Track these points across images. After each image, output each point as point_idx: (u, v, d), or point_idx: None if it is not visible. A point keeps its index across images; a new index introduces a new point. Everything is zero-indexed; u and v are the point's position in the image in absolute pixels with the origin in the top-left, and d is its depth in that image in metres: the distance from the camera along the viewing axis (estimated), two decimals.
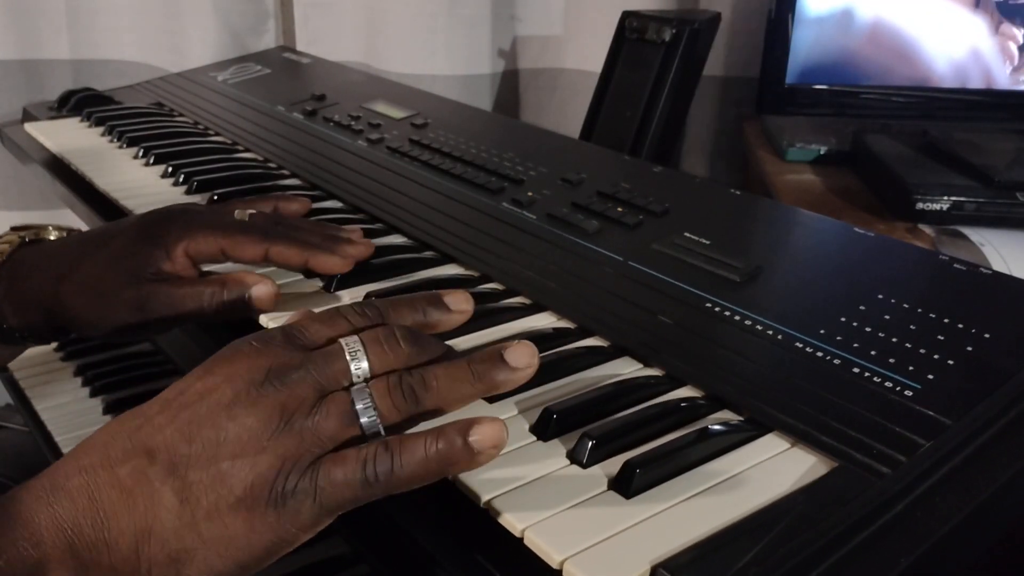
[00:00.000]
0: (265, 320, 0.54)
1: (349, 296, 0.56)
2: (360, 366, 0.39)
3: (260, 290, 0.52)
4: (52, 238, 0.64)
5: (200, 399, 0.37)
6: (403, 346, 0.40)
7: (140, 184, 0.79)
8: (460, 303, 0.46)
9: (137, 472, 0.36)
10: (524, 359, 0.40)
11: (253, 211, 0.58)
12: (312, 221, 0.62)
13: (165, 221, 0.55)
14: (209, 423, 0.36)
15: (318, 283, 0.58)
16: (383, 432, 0.38)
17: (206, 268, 0.57)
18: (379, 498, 0.37)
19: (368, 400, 0.38)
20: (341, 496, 0.36)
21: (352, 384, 0.39)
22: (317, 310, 0.47)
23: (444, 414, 0.40)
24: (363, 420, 0.37)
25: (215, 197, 0.73)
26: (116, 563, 0.35)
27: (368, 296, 0.55)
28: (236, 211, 0.58)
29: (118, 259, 0.54)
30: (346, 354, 0.39)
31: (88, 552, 0.35)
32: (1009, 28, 0.93)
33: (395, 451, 0.37)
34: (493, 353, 0.40)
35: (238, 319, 0.53)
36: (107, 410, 0.86)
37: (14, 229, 0.63)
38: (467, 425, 0.37)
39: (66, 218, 1.21)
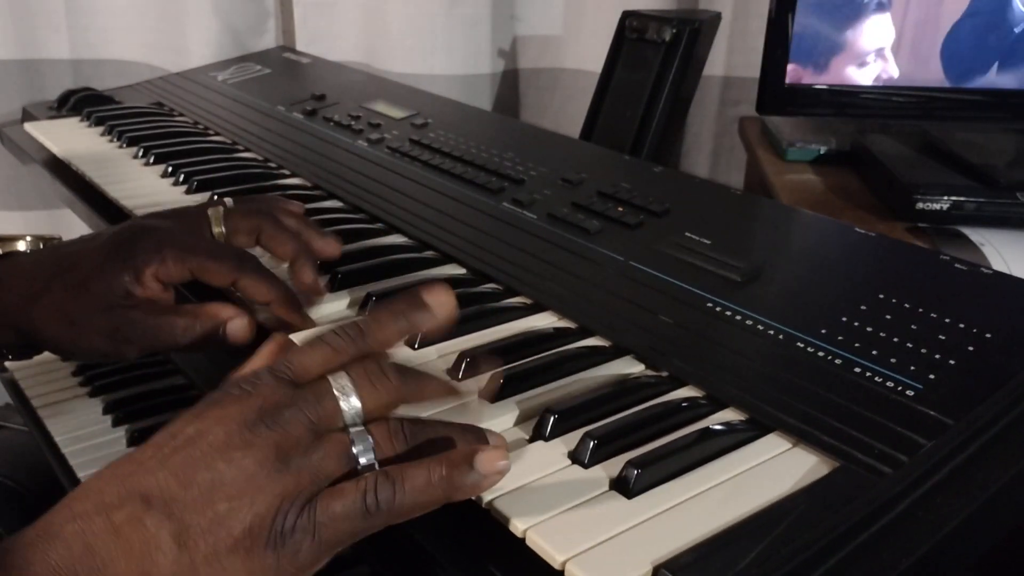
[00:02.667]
0: None
1: (350, 296, 0.56)
2: (352, 405, 0.38)
3: (235, 325, 0.52)
4: (25, 250, 0.62)
5: (192, 443, 0.37)
6: (391, 379, 0.39)
7: (141, 185, 0.79)
8: (440, 296, 0.43)
9: (133, 517, 0.35)
10: (494, 461, 0.38)
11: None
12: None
13: (130, 244, 0.53)
14: (204, 465, 0.36)
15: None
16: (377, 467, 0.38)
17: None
18: (378, 529, 0.37)
19: (370, 444, 0.37)
20: (340, 530, 0.36)
21: (347, 425, 0.38)
22: (298, 336, 0.47)
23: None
24: (362, 461, 0.37)
25: (215, 197, 0.73)
26: None
27: (368, 296, 0.55)
28: (226, 200, 0.57)
29: (88, 282, 0.52)
30: (335, 392, 0.38)
31: None
32: None
33: (396, 479, 0.36)
34: (477, 432, 0.40)
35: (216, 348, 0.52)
36: (107, 410, 0.86)
37: None
38: (471, 452, 0.37)
39: (66, 218, 1.21)
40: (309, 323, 0.54)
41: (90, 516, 0.36)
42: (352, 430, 0.38)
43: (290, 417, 0.37)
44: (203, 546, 0.35)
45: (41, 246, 0.63)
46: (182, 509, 0.35)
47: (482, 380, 0.46)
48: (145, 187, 0.79)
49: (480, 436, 0.40)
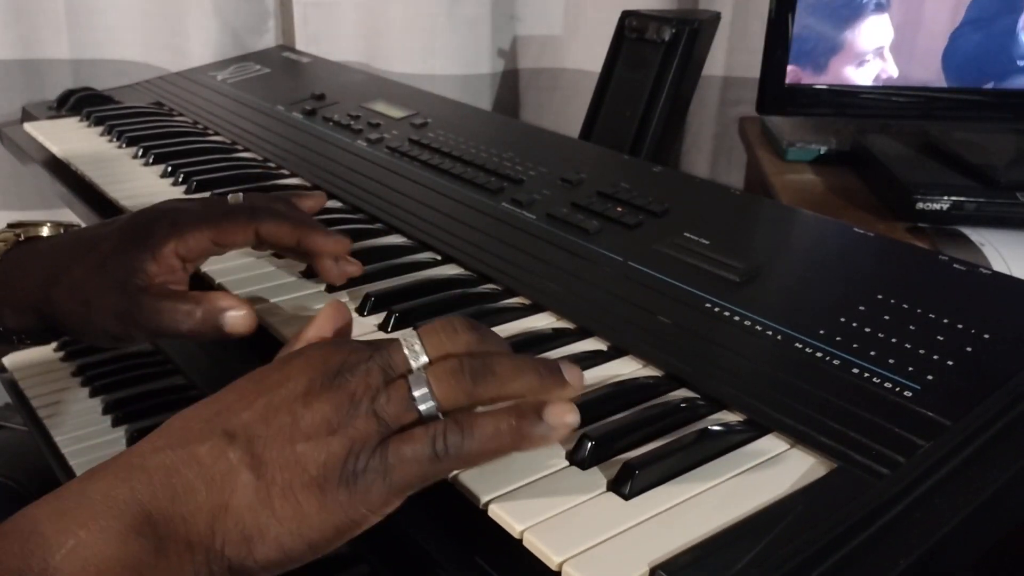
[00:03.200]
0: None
1: (348, 296, 0.56)
2: (415, 351, 0.40)
3: (234, 315, 0.52)
4: (46, 234, 0.64)
5: (276, 387, 0.39)
6: (460, 333, 0.41)
7: (141, 185, 0.79)
8: (575, 378, 0.41)
9: (216, 450, 0.37)
10: (577, 379, 0.41)
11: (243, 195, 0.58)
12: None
13: (151, 223, 0.54)
14: (285, 409, 0.38)
15: (319, 285, 0.58)
16: (442, 417, 0.39)
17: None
18: (448, 474, 0.39)
19: (424, 386, 0.39)
20: (410, 472, 0.37)
21: (412, 371, 0.40)
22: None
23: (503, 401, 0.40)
24: (421, 407, 0.38)
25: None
26: (192, 537, 0.36)
27: (367, 297, 0.55)
28: (229, 196, 0.58)
29: (105, 264, 0.53)
30: (403, 345, 0.40)
31: (165, 525, 0.36)
32: None
33: (465, 426, 0.38)
34: (552, 363, 0.41)
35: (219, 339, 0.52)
36: (106, 410, 0.86)
37: (10, 226, 0.63)
38: (540, 403, 0.38)
39: (66, 218, 1.21)
40: (345, 244, 0.56)
41: (174, 448, 0.38)
42: (411, 376, 0.39)
43: (365, 369, 0.39)
44: (280, 480, 0.37)
45: (62, 231, 0.64)
46: (263, 446, 0.37)
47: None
48: (145, 187, 0.79)
49: (550, 375, 0.40)
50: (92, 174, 0.81)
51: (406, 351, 0.40)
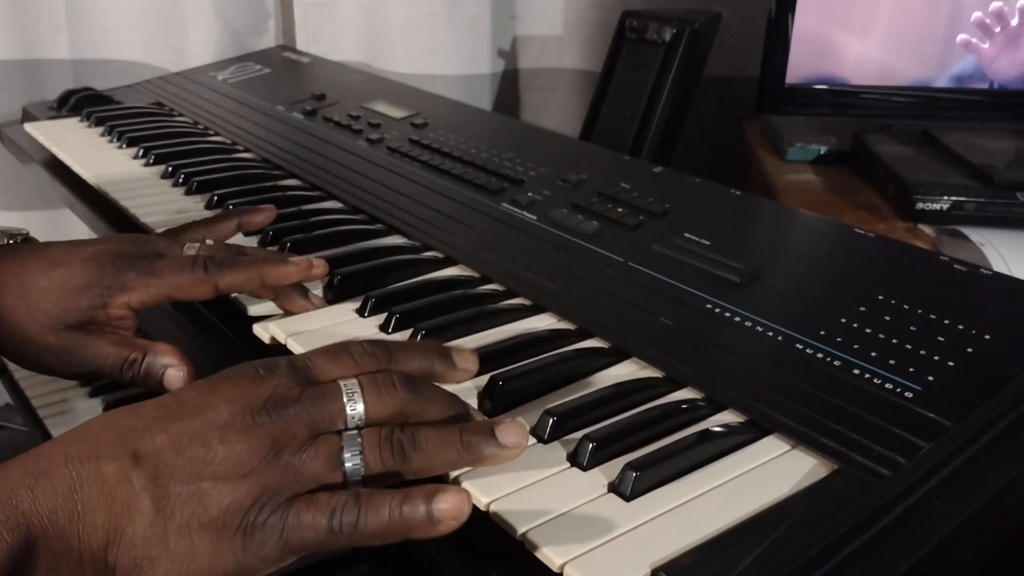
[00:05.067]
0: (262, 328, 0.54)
1: (350, 302, 0.56)
2: (356, 409, 0.39)
3: (172, 374, 0.52)
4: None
5: (196, 414, 0.38)
6: (400, 392, 0.40)
7: (142, 186, 0.79)
8: (467, 362, 0.45)
9: (121, 472, 0.36)
10: (514, 438, 0.39)
11: (199, 243, 0.56)
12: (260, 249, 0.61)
13: (110, 272, 0.53)
14: (200, 441, 0.37)
15: (318, 286, 0.58)
16: (362, 482, 0.38)
17: None
18: (343, 548, 0.37)
19: (357, 449, 0.38)
20: (306, 538, 0.37)
21: (346, 428, 0.39)
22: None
23: (426, 475, 0.40)
24: (347, 467, 0.38)
25: (215, 198, 0.73)
26: (84, 559, 0.36)
27: (367, 299, 0.55)
28: (186, 244, 0.56)
29: (48, 299, 0.52)
30: (343, 395, 0.39)
31: (60, 543, 0.35)
32: None
33: (363, 505, 0.37)
34: (485, 426, 0.40)
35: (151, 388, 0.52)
36: (107, 410, 0.86)
37: None
38: (433, 492, 0.37)
39: (66, 218, 1.21)
40: (304, 267, 0.55)
41: (83, 462, 0.37)
42: (346, 435, 0.38)
43: (294, 413, 0.38)
44: (179, 516, 0.36)
45: (9, 242, 0.61)
46: (169, 476, 0.36)
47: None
48: (145, 188, 0.79)
49: (475, 447, 0.39)
50: (92, 175, 0.81)
51: (345, 401, 0.39)
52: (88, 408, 0.88)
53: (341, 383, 0.40)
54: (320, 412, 0.38)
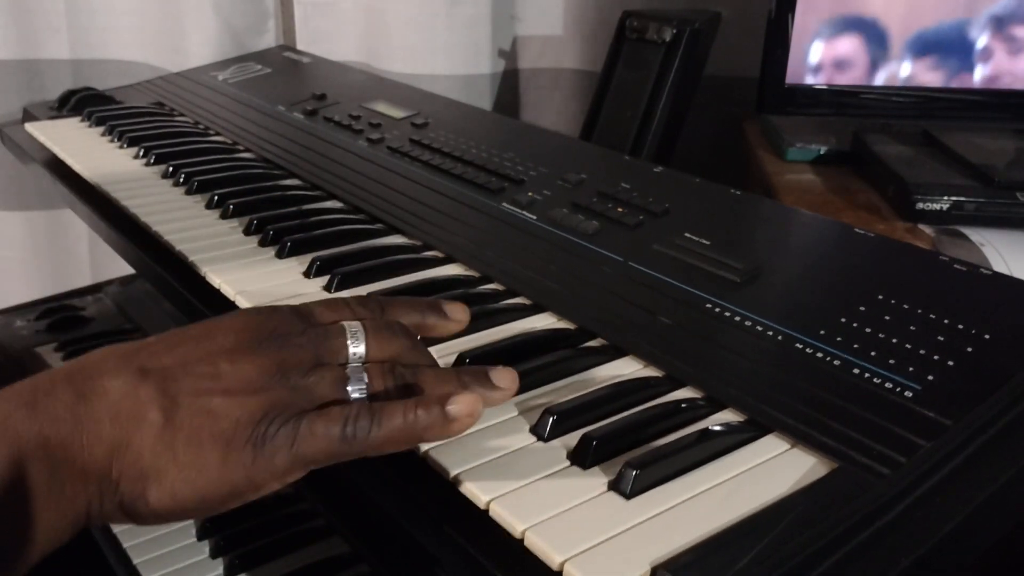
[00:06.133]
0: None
1: (349, 295, 0.56)
2: (357, 348, 0.41)
3: None
4: None
5: (202, 339, 0.39)
6: (400, 339, 0.42)
7: (142, 186, 0.79)
8: (457, 313, 0.47)
9: (127, 386, 0.37)
10: (506, 381, 0.41)
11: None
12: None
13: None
14: (208, 360, 0.38)
15: (317, 284, 0.58)
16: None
17: None
18: (351, 459, 0.38)
19: (364, 377, 0.39)
20: (317, 447, 0.37)
21: (348, 362, 0.40)
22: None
23: None
24: (354, 395, 0.39)
25: (215, 198, 0.73)
26: (88, 465, 0.36)
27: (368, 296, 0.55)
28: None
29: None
30: (347, 334, 0.41)
31: (63, 451, 0.35)
32: None
33: (376, 413, 0.38)
34: (480, 369, 0.42)
35: None
36: None
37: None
38: (446, 395, 0.38)
39: (66, 218, 1.22)
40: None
41: (85, 379, 0.37)
42: (350, 367, 0.40)
43: (299, 344, 0.39)
44: (188, 427, 0.36)
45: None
46: (177, 390, 0.37)
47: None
48: (146, 187, 0.79)
49: (469, 381, 0.40)
50: (93, 175, 0.81)
51: (348, 341, 0.40)
52: None
53: (345, 324, 0.41)
54: (324, 346, 0.40)
